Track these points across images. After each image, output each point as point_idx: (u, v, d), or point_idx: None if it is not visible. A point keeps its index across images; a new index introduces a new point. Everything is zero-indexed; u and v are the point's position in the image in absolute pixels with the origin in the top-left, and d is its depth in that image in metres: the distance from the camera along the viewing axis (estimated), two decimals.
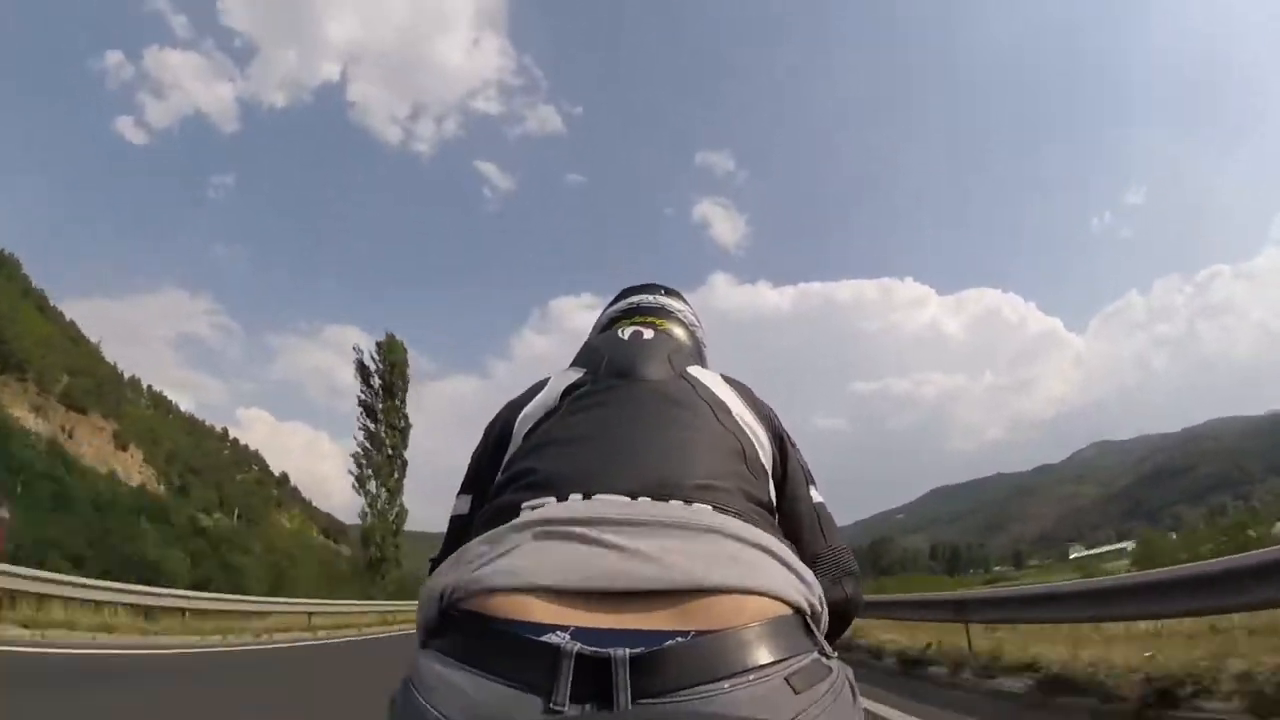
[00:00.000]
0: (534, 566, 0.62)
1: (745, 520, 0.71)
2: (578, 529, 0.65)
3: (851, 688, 0.63)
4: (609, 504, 0.69)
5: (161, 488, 63.70)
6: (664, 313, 1.19)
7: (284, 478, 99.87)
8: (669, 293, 1.25)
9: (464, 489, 0.93)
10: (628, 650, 0.55)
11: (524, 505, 0.71)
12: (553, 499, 0.71)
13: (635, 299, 1.22)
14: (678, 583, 0.60)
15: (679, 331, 1.17)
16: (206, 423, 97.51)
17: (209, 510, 62.49)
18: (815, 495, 0.93)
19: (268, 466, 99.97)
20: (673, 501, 0.70)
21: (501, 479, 0.82)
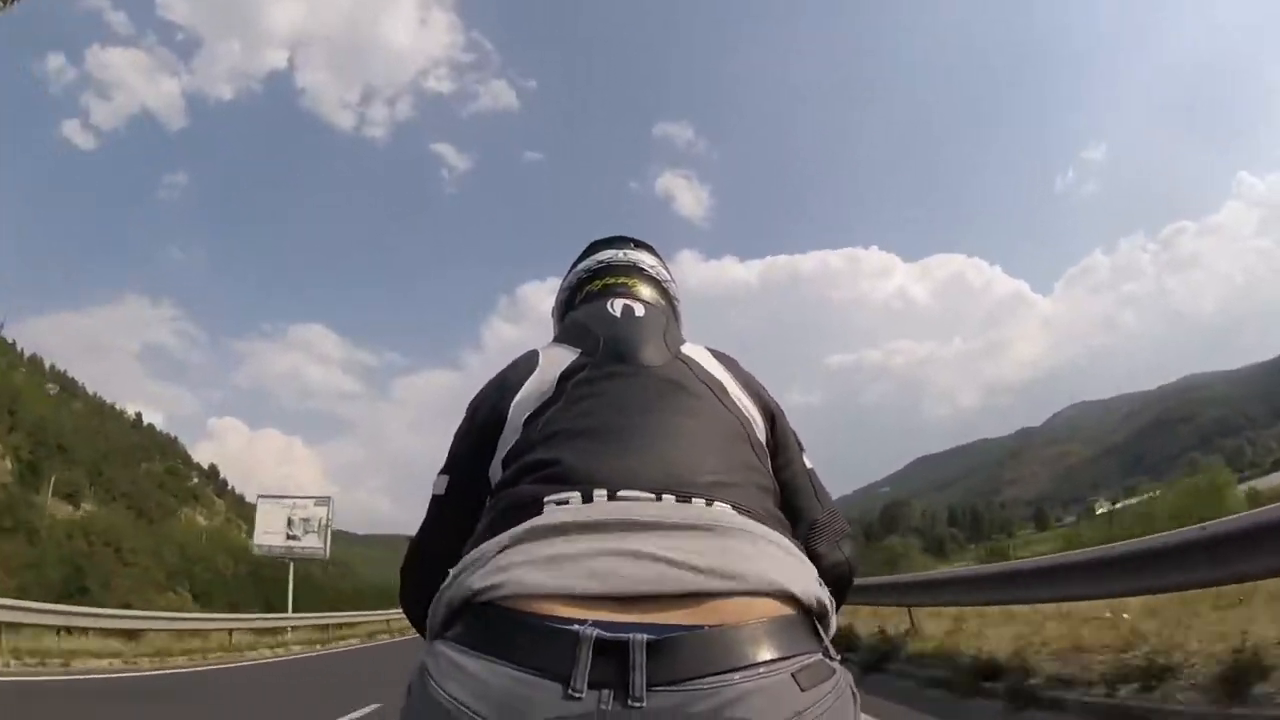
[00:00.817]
0: (561, 572, 0.62)
1: (759, 519, 0.72)
2: (604, 534, 0.66)
3: (853, 692, 0.65)
4: (634, 507, 0.69)
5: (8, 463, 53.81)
6: (635, 270, 1.17)
7: (213, 470, 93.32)
8: (638, 245, 1.22)
9: (445, 468, 0.91)
10: (645, 636, 0.57)
11: (547, 499, 0.71)
12: (577, 495, 0.70)
13: (605, 256, 1.19)
14: (699, 587, 0.62)
15: (652, 292, 1.15)
16: (116, 406, 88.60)
17: (75, 495, 54.41)
18: (807, 461, 0.95)
19: (188, 457, 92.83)
20: (695, 500, 0.71)
21: (514, 469, 0.80)
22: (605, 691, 0.55)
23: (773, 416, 0.94)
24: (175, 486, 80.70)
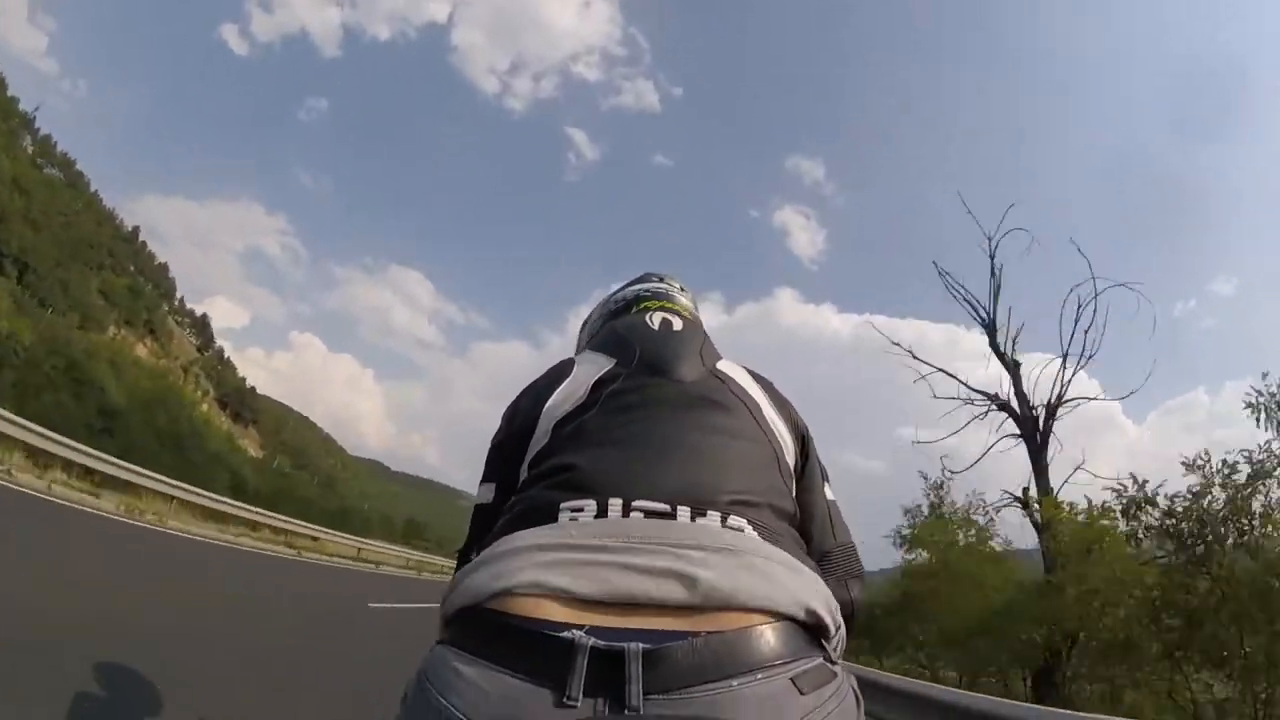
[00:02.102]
0: (566, 579, 0.63)
1: (777, 541, 0.72)
2: (614, 544, 0.65)
3: (856, 696, 0.65)
4: (647, 521, 0.69)
5: None
6: (669, 297, 1.18)
7: (203, 321, 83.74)
8: (683, 290, 1.25)
9: (486, 477, 0.91)
10: (641, 645, 0.57)
11: (562, 505, 0.71)
12: (593, 503, 0.71)
13: (661, 287, 1.21)
14: (700, 601, 0.61)
15: (690, 313, 1.16)
16: (117, 215, 78.76)
17: None
18: (829, 493, 0.94)
19: (171, 294, 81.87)
20: (710, 513, 0.70)
21: (534, 472, 0.81)
22: (600, 700, 0.55)
23: (804, 441, 0.94)
24: (127, 305, 72.17)
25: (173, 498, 12.21)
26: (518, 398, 0.95)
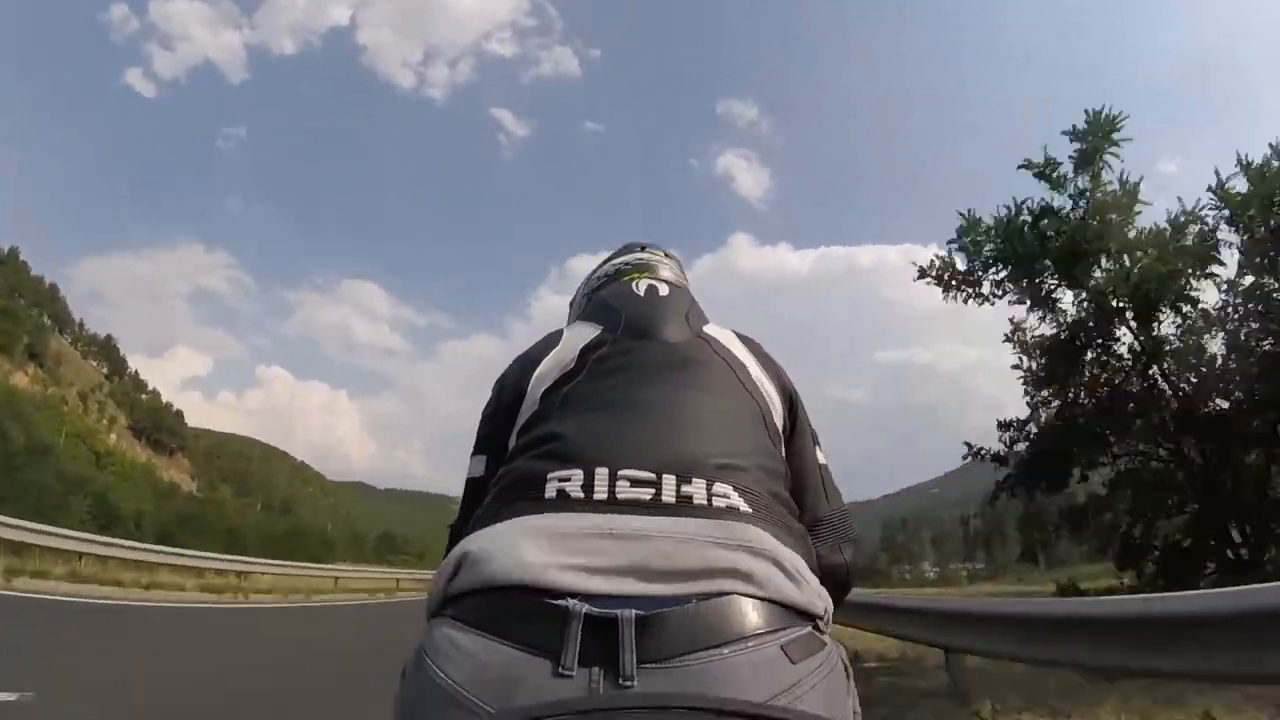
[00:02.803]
0: (557, 552, 0.63)
1: (765, 505, 0.72)
2: (602, 514, 0.66)
3: (845, 667, 0.66)
4: (634, 488, 0.69)
5: None
6: (660, 265, 1.19)
7: (107, 344, 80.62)
8: (669, 256, 1.25)
9: (477, 449, 0.91)
10: (634, 612, 0.57)
11: (549, 476, 0.71)
12: (579, 472, 0.70)
13: (643, 256, 1.21)
14: (689, 566, 0.62)
15: (676, 279, 1.15)
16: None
17: None
18: (820, 456, 0.94)
19: (66, 316, 77.34)
20: (696, 481, 0.70)
21: (521, 441, 0.81)
22: (595, 669, 0.55)
23: (792, 403, 0.93)
24: (5, 331, 66.13)
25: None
26: (508, 368, 0.95)
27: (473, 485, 0.89)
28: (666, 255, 1.24)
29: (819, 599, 0.68)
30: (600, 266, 1.23)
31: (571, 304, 1.27)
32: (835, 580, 0.82)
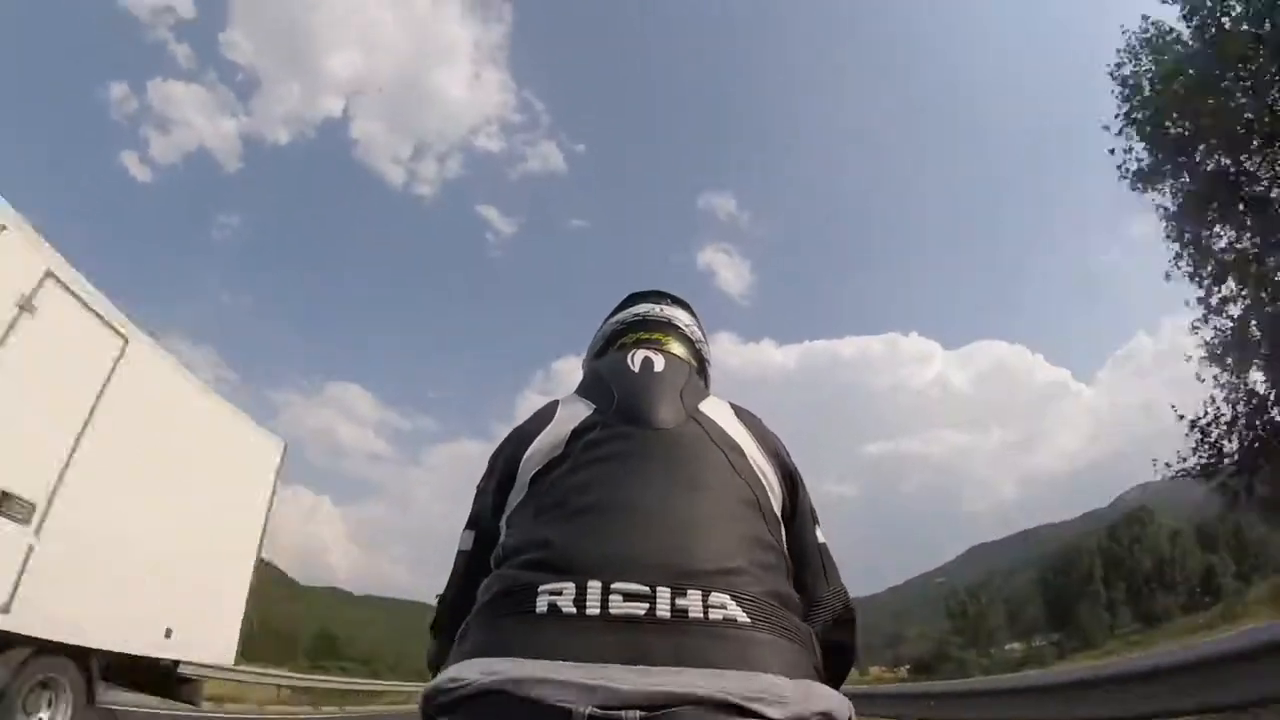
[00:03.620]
0: (554, 669, 0.61)
1: (763, 611, 0.70)
2: (597, 632, 0.65)
3: None
4: (627, 603, 0.67)
5: None
6: (670, 327, 1.17)
7: None
8: (675, 302, 1.23)
9: (469, 524, 0.93)
10: (639, 713, 0.57)
11: (540, 589, 0.69)
12: (570, 585, 0.68)
13: (641, 309, 1.20)
14: (688, 695, 0.60)
15: (682, 350, 1.15)
16: None
17: None
18: (820, 536, 0.93)
19: None
20: (690, 593, 0.68)
21: (509, 540, 0.79)
22: None
23: (793, 481, 0.92)
24: None
25: None
26: (503, 442, 0.95)
27: (462, 559, 0.91)
28: (673, 302, 1.22)
29: (825, 701, 0.65)
30: (613, 315, 1.22)
31: (587, 356, 1.25)
32: (837, 661, 0.82)
